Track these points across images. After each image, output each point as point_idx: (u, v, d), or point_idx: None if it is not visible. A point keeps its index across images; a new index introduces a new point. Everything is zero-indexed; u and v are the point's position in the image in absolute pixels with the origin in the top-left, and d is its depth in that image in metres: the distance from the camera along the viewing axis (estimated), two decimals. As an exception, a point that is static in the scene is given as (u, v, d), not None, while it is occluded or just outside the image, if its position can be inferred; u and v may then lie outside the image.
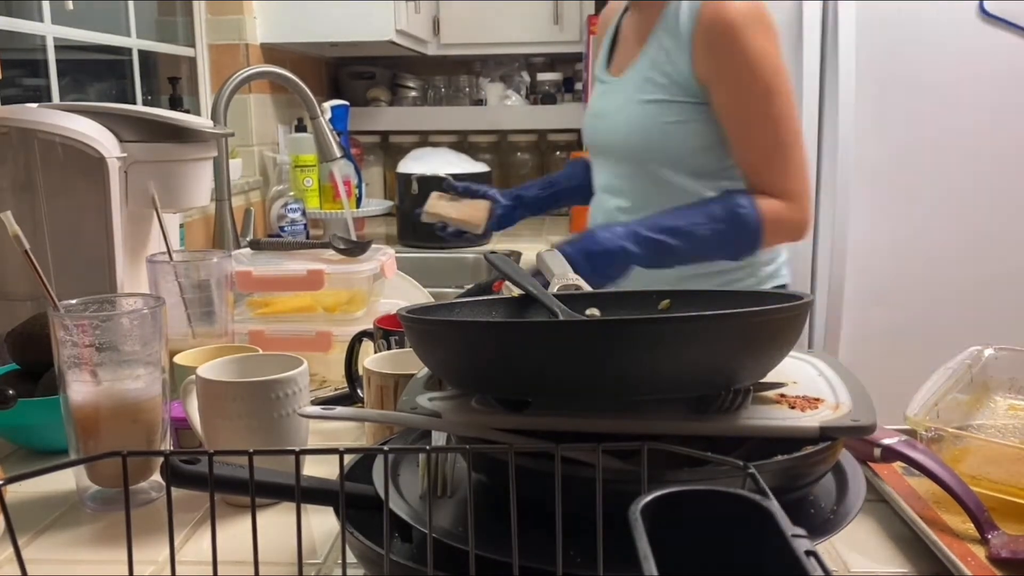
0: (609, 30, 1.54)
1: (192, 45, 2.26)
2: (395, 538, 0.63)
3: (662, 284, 1.11)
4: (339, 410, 0.63)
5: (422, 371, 0.72)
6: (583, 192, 1.63)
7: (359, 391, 0.95)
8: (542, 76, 3.00)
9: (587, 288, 0.85)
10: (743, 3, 1.32)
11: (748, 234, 1.32)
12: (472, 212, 1.57)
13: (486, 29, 2.78)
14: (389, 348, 0.94)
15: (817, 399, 0.62)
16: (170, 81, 1.99)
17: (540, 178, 1.75)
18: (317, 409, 0.63)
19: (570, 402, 0.61)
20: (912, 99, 2.19)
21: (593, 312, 0.76)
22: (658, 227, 1.28)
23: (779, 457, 0.55)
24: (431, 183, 2.31)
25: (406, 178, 2.34)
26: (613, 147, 1.45)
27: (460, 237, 1.62)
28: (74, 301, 0.77)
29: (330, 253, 1.27)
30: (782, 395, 0.63)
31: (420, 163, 2.38)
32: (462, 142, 2.95)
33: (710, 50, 1.33)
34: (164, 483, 0.56)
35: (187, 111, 1.93)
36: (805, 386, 0.65)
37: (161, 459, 0.62)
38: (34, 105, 1.11)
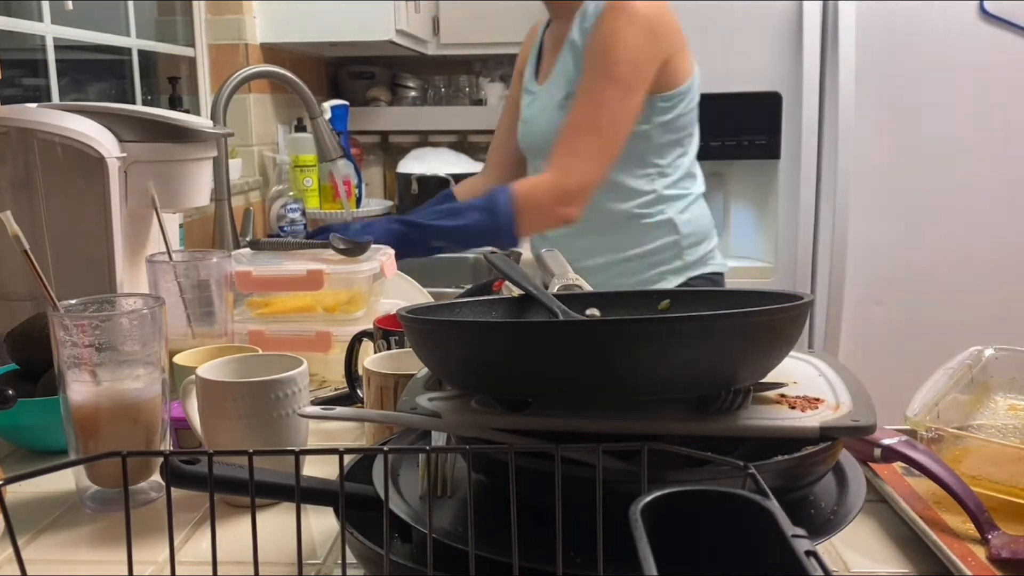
0: (535, 44, 1.68)
1: (192, 45, 2.26)
2: (395, 538, 0.63)
3: (594, 266, 1.41)
4: (339, 410, 0.63)
5: (422, 371, 0.72)
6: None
7: (359, 391, 0.95)
8: (542, 76, 3.00)
9: (587, 288, 0.85)
10: (640, 3, 1.44)
11: (501, 216, 1.44)
12: None
13: (486, 29, 2.77)
14: (389, 348, 0.94)
15: (817, 399, 0.62)
16: (170, 81, 1.99)
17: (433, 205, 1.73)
18: (317, 409, 0.63)
19: (570, 402, 0.61)
20: (912, 99, 2.19)
21: (593, 312, 0.76)
22: (428, 213, 1.51)
23: (779, 457, 0.55)
24: (431, 183, 2.32)
25: (406, 178, 2.34)
26: (542, 149, 1.54)
27: None
28: (74, 301, 0.77)
29: (330, 253, 1.27)
30: (782, 395, 0.63)
31: (420, 163, 2.38)
32: (462, 142, 2.94)
33: (589, 38, 1.47)
34: (164, 483, 0.56)
35: (187, 111, 1.93)
36: (805, 386, 0.65)
37: (161, 459, 0.62)
38: (34, 105, 1.11)
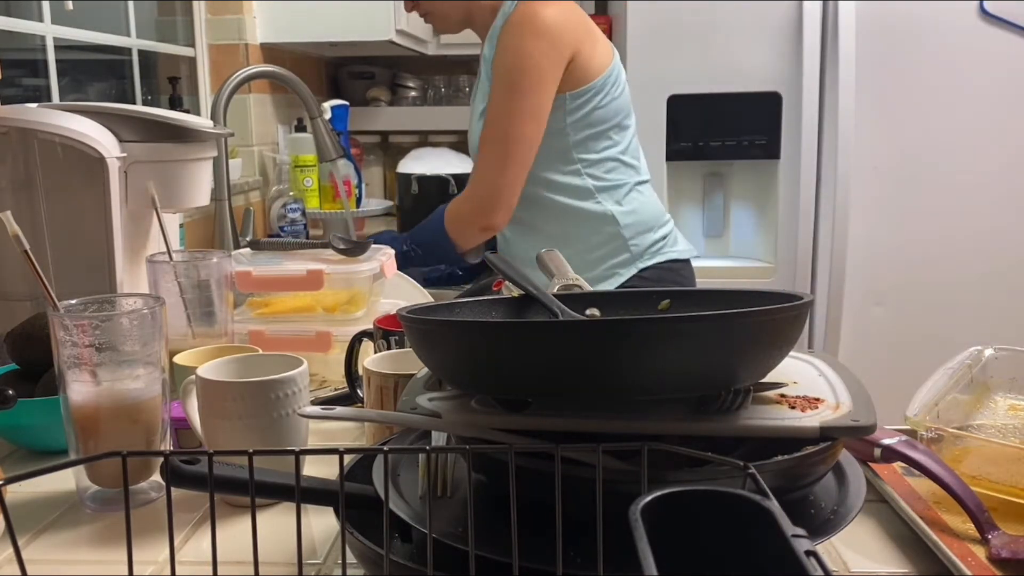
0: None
1: (192, 45, 2.26)
2: (395, 538, 0.63)
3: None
4: (339, 410, 0.63)
5: (422, 371, 0.72)
6: None
7: (359, 391, 0.95)
8: (542, 76, 2.99)
9: (587, 288, 0.85)
10: (537, 6, 1.49)
11: (443, 230, 1.62)
12: None
13: (486, 29, 2.77)
14: (389, 348, 0.94)
15: (817, 399, 0.62)
16: (170, 81, 1.99)
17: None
18: (317, 409, 0.63)
19: (570, 402, 0.61)
20: (912, 99, 2.19)
21: (593, 312, 0.76)
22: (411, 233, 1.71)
23: (779, 457, 0.55)
24: (431, 183, 2.32)
25: (406, 178, 2.34)
26: (474, 159, 1.63)
27: None
28: (74, 301, 0.77)
29: (330, 253, 1.27)
30: (782, 395, 0.63)
31: (420, 163, 2.38)
32: (462, 142, 2.93)
33: (495, 47, 1.53)
34: (164, 483, 0.56)
35: (187, 111, 1.93)
36: (805, 386, 0.65)
37: (161, 459, 0.62)
38: (34, 105, 1.11)
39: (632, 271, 1.60)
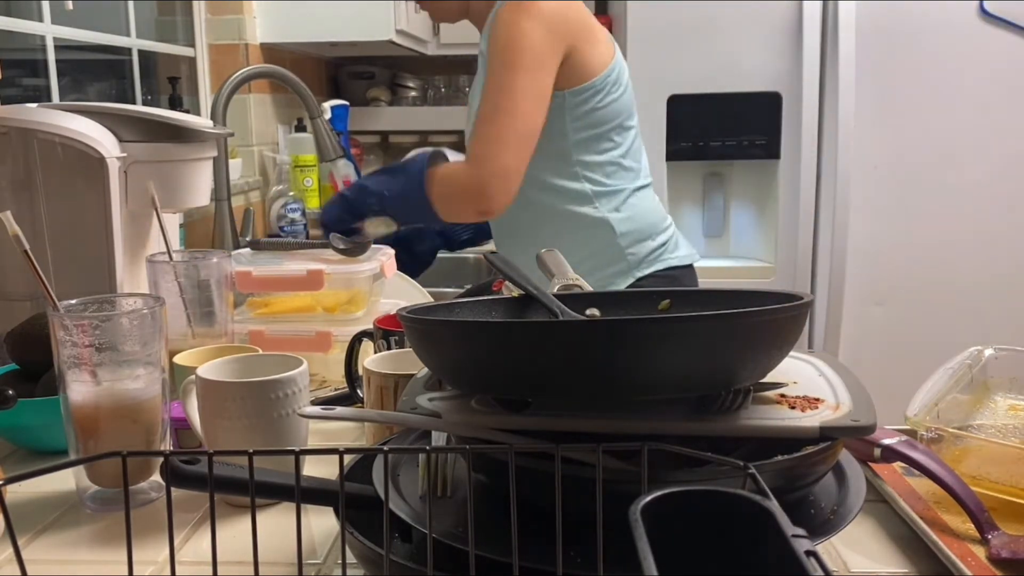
0: None
1: (192, 45, 2.26)
2: (395, 538, 0.63)
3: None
4: (339, 410, 0.63)
5: (422, 371, 0.72)
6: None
7: (359, 391, 0.95)
8: (542, 76, 2.99)
9: (588, 288, 0.85)
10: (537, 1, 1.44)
11: (416, 188, 1.49)
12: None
13: (486, 29, 2.77)
14: (389, 348, 0.94)
15: (817, 399, 0.62)
16: (170, 81, 1.99)
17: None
18: (317, 409, 0.63)
19: (570, 402, 0.61)
20: (912, 99, 2.19)
21: (593, 312, 0.76)
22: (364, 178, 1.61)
23: (779, 457, 0.55)
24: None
25: (406, 178, 2.34)
26: None
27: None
28: (74, 301, 0.77)
29: (330, 253, 1.27)
30: (782, 395, 0.63)
31: (420, 163, 2.37)
32: (462, 142, 2.93)
33: (490, 39, 1.47)
34: (164, 483, 0.56)
35: (187, 111, 1.93)
36: (805, 386, 0.65)
37: (161, 459, 0.62)
38: (34, 105, 1.11)
39: (629, 280, 1.55)
